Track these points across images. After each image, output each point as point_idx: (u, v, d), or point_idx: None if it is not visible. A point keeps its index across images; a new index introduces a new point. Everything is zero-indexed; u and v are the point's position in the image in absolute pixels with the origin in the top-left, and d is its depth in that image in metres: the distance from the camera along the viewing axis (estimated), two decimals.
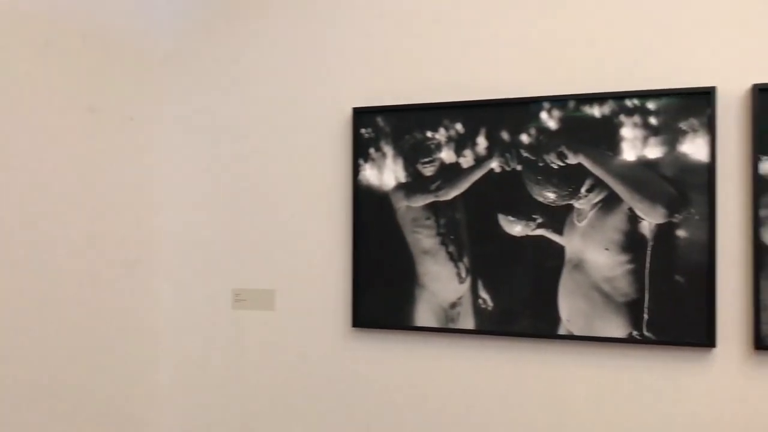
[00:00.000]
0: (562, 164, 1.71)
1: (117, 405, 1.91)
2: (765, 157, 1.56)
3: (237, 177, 2.01)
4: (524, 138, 1.74)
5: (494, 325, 1.77)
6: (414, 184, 1.83)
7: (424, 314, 1.83)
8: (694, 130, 1.61)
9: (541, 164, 1.73)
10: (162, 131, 2.07)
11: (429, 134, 1.82)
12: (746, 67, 1.59)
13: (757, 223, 1.57)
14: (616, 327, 1.67)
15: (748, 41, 1.59)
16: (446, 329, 1.81)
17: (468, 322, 1.79)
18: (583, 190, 1.70)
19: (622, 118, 1.67)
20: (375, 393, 1.88)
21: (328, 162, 1.92)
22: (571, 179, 1.70)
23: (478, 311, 1.78)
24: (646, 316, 1.65)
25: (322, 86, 1.93)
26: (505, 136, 1.76)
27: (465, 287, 1.79)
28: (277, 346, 1.98)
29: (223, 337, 2.03)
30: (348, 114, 1.91)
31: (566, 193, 1.71)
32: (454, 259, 1.80)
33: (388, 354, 1.87)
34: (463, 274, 1.79)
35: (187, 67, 2.07)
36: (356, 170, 1.88)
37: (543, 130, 1.73)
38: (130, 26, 1.95)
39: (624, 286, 1.66)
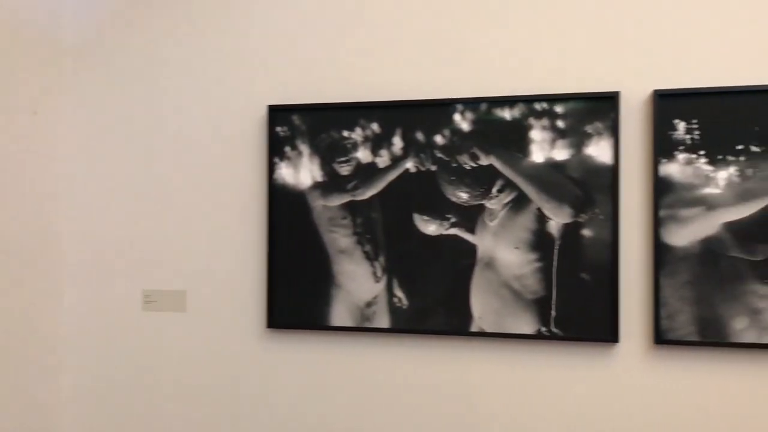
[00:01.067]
0: (474, 165, 1.74)
1: (14, 414, 1.81)
2: (665, 160, 1.64)
3: (147, 174, 1.95)
4: (439, 139, 1.77)
5: (409, 323, 1.78)
6: (330, 184, 1.82)
7: (340, 314, 1.82)
8: (599, 134, 1.67)
9: (454, 165, 1.75)
10: (68, 126, 1.99)
11: (345, 133, 1.82)
12: (648, 74, 1.67)
13: (657, 223, 1.64)
14: (526, 324, 1.71)
15: (650, 49, 1.66)
16: (362, 328, 1.81)
17: (383, 320, 1.79)
18: (494, 190, 1.73)
19: (532, 121, 1.71)
20: (290, 394, 1.86)
21: (243, 160, 1.89)
22: (483, 180, 1.74)
23: (394, 310, 1.79)
24: (553, 313, 1.69)
25: (236, 83, 1.90)
26: (420, 136, 1.78)
27: (381, 286, 1.79)
28: (189, 349, 1.93)
29: (133, 341, 1.97)
30: (263, 112, 1.88)
31: (478, 193, 1.74)
32: (370, 258, 1.80)
33: (304, 355, 1.86)
34: (379, 274, 1.79)
35: (95, 60, 1.99)
36: (271, 169, 1.85)
37: (456, 131, 1.76)
38: (35, 16, 1.87)
39: (533, 284, 1.71)
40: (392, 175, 1.79)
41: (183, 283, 1.93)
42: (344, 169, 1.82)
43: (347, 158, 1.82)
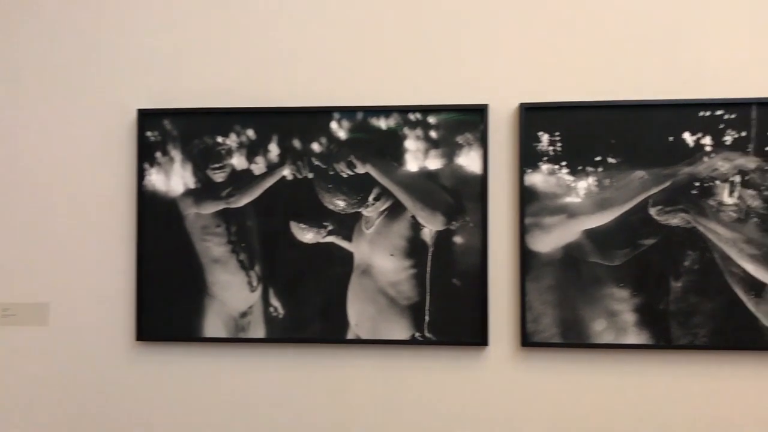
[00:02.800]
0: (351, 173, 1.75)
1: None
2: (530, 170, 1.71)
3: (7, 181, 1.83)
4: (315, 147, 1.76)
5: (285, 333, 1.76)
6: (203, 191, 1.78)
7: (214, 325, 1.77)
8: (469, 144, 1.72)
9: (331, 173, 1.76)
10: None
11: (220, 139, 1.78)
12: (515, 88, 1.74)
13: (522, 230, 1.70)
14: (401, 329, 1.73)
15: (517, 63, 1.73)
16: (236, 339, 1.77)
17: (259, 331, 1.76)
18: (370, 198, 1.74)
19: (406, 131, 1.74)
20: (162, 409, 1.79)
21: (111, 166, 1.81)
22: (359, 188, 1.75)
23: (269, 319, 1.76)
24: (427, 318, 1.72)
25: (104, 85, 1.82)
26: (297, 144, 1.76)
27: (256, 296, 1.76)
28: (52, 365, 1.82)
29: None
30: (133, 115, 1.81)
31: (355, 201, 1.75)
32: (245, 267, 1.77)
33: (176, 367, 1.79)
34: (254, 283, 1.76)
35: None
36: (141, 175, 1.79)
37: (333, 139, 1.76)
38: None
39: (407, 290, 1.73)
40: (268, 183, 1.77)
41: (46, 294, 1.81)
42: (218, 176, 1.78)
43: (221, 165, 1.78)
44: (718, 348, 1.65)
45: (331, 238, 1.76)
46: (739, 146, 1.65)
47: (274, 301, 1.76)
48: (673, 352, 1.68)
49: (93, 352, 1.81)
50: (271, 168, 1.77)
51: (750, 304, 1.64)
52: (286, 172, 1.77)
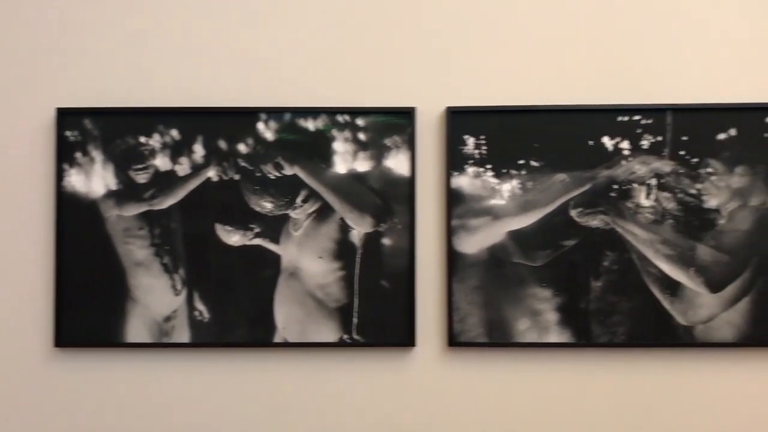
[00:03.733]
0: (278, 175, 1.74)
1: None
2: (456, 173, 1.73)
3: None
4: (242, 147, 1.74)
5: (211, 336, 1.73)
6: (125, 192, 1.73)
7: (136, 329, 1.73)
8: (398, 147, 1.73)
9: (258, 174, 1.74)
10: None
11: (143, 140, 1.74)
12: (442, 91, 1.76)
13: (450, 232, 1.72)
14: (329, 332, 1.73)
15: (445, 67, 1.76)
16: (160, 344, 1.73)
17: (183, 335, 1.73)
18: (298, 200, 1.74)
19: (335, 132, 1.74)
20: (83, 418, 1.74)
21: (28, 166, 1.74)
22: (287, 190, 1.74)
23: (194, 323, 1.73)
24: (355, 320, 1.73)
25: (22, 83, 1.75)
26: (222, 144, 1.74)
27: (180, 299, 1.73)
28: None
29: None
30: (52, 114, 1.75)
31: (283, 203, 1.74)
32: (169, 270, 1.73)
33: (97, 374, 1.74)
34: (179, 286, 1.73)
35: None
36: (60, 176, 1.73)
37: (260, 140, 1.74)
38: None
39: (336, 292, 1.73)
40: (193, 184, 1.74)
41: None
42: (141, 177, 1.74)
43: (144, 166, 1.74)
44: (635, 345, 1.71)
45: (258, 241, 1.74)
46: (655, 150, 1.71)
47: (199, 305, 1.73)
48: (594, 350, 1.73)
49: (9, 359, 1.74)
50: (196, 169, 1.74)
51: (665, 302, 1.70)
52: (212, 173, 1.74)
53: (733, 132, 1.71)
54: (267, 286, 1.73)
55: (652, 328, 1.71)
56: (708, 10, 1.75)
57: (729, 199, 1.70)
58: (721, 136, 1.71)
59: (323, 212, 1.74)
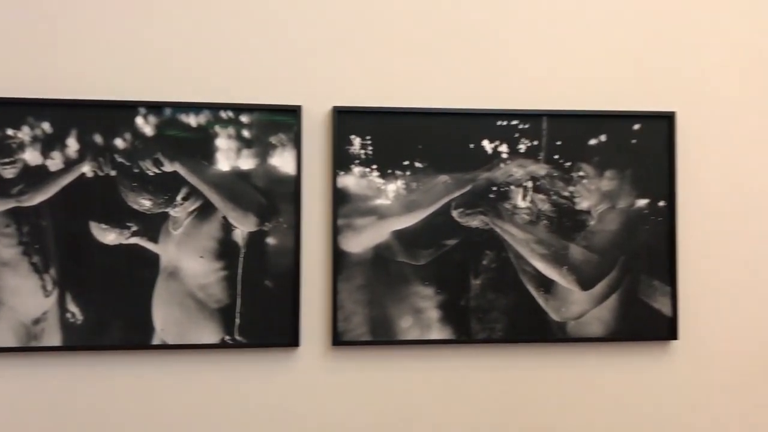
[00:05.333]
0: (158, 171, 1.68)
1: None
2: (342, 173, 1.73)
3: None
4: (119, 143, 1.68)
5: (84, 339, 1.66)
6: None
7: (2, 333, 1.63)
8: (283, 145, 1.72)
9: (136, 170, 1.68)
10: None
11: (10, 132, 1.64)
12: (329, 90, 1.76)
13: (335, 231, 1.73)
14: (210, 333, 1.69)
15: (332, 66, 1.76)
16: (28, 348, 1.64)
17: (54, 338, 1.65)
18: (178, 198, 1.69)
19: (218, 129, 1.70)
20: None
21: None
22: (167, 187, 1.69)
23: (66, 326, 1.65)
24: (238, 321, 1.70)
25: None
26: (98, 139, 1.67)
27: (51, 301, 1.65)
28: None
29: None
30: None
31: (162, 200, 1.68)
32: (39, 270, 1.64)
33: None
34: (49, 287, 1.64)
35: None
36: None
37: (139, 135, 1.68)
38: None
39: (218, 293, 1.70)
40: (66, 180, 1.66)
41: None
42: (8, 172, 1.64)
43: (12, 160, 1.64)
44: (512, 341, 1.77)
45: (135, 240, 1.68)
46: (531, 154, 1.78)
47: (72, 307, 1.66)
48: (473, 346, 1.78)
49: None
50: (69, 164, 1.66)
51: (540, 299, 1.77)
52: (86, 168, 1.67)
53: (603, 138, 1.81)
54: (145, 287, 1.68)
55: (527, 325, 1.78)
56: (581, 22, 1.83)
57: (599, 201, 1.80)
58: (592, 142, 1.81)
59: (205, 211, 1.70)
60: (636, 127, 1.82)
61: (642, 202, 1.81)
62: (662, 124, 1.82)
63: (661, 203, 1.81)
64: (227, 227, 1.70)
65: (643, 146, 1.81)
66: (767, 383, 1.85)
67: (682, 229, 1.83)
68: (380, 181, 1.75)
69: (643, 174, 1.81)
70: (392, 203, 1.75)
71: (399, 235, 1.75)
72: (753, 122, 1.86)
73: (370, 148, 1.75)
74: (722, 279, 1.84)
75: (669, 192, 1.81)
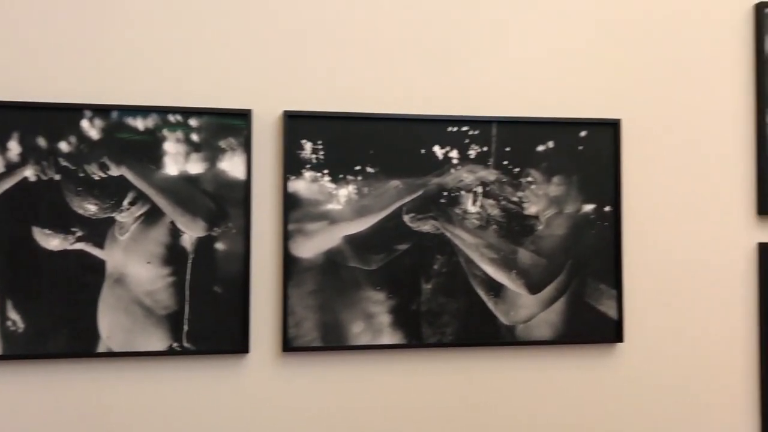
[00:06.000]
0: (104, 176, 1.65)
1: None
2: (293, 177, 1.73)
3: None
4: (64, 146, 1.64)
5: (25, 348, 1.61)
6: None
7: None
8: (233, 149, 1.71)
9: (81, 174, 1.64)
10: None
11: None
12: (279, 94, 1.75)
13: (286, 237, 1.72)
14: (158, 340, 1.67)
15: (282, 70, 1.75)
16: None
17: None
18: (125, 202, 1.66)
19: (166, 132, 1.68)
20: None
21: None
22: (113, 191, 1.66)
23: (7, 334, 1.61)
24: (186, 328, 1.67)
25: None
26: (41, 142, 1.63)
27: None
28: None
29: None
30: None
31: (108, 205, 1.65)
32: None
33: None
34: None
35: None
36: None
37: (84, 139, 1.65)
38: None
39: (165, 299, 1.67)
40: (7, 184, 1.61)
41: None
42: None
43: None
44: (462, 345, 1.78)
45: (80, 245, 1.64)
46: (481, 160, 1.80)
47: (13, 314, 1.61)
48: (424, 350, 1.79)
49: None
50: (11, 168, 1.62)
51: (490, 303, 1.80)
52: (29, 172, 1.63)
53: (551, 144, 1.84)
54: (90, 294, 1.64)
55: (477, 328, 1.80)
56: (530, 32, 1.87)
57: (547, 206, 1.83)
58: (540, 148, 1.84)
59: (152, 215, 1.67)
60: (583, 133, 1.85)
61: (588, 207, 1.85)
62: (608, 131, 1.86)
63: (607, 208, 1.85)
64: (175, 232, 1.68)
65: (589, 152, 1.85)
66: (709, 384, 1.90)
67: (627, 233, 1.87)
68: (332, 185, 1.75)
69: (589, 179, 1.85)
70: (344, 208, 1.75)
71: (350, 240, 1.75)
72: (694, 129, 1.92)
73: (322, 152, 1.75)
74: (666, 282, 1.89)
75: (614, 197, 1.85)
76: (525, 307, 1.82)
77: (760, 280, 1.94)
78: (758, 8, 1.95)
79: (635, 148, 1.89)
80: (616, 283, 1.85)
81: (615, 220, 1.86)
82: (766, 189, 1.92)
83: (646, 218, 1.89)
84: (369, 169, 1.77)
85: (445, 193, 1.79)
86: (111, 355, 1.65)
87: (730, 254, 1.93)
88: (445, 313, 1.79)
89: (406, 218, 1.78)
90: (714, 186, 1.93)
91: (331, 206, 1.75)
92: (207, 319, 1.69)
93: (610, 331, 1.85)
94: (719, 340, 1.92)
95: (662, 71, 1.92)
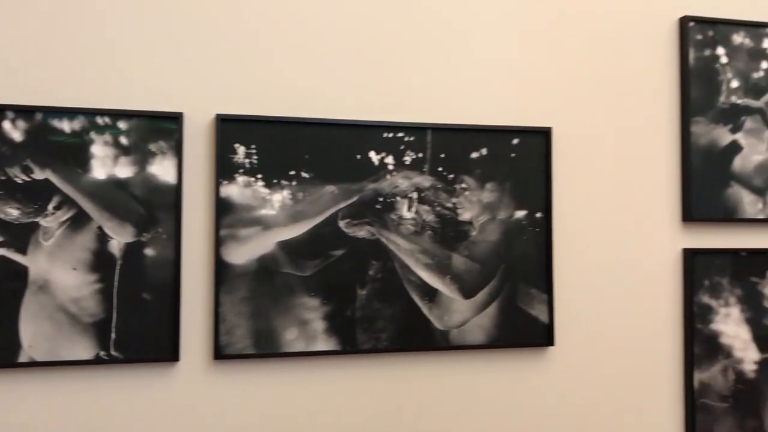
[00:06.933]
0: (27, 179, 1.60)
1: None
2: (226, 182, 1.70)
3: None
4: None
5: None
6: None
7: None
8: (163, 153, 1.67)
9: (3, 178, 1.59)
10: None
11: None
12: (212, 98, 1.72)
13: (218, 242, 1.69)
14: (84, 349, 1.62)
15: (215, 73, 1.73)
16: None
17: None
18: (50, 207, 1.61)
19: (93, 135, 1.64)
20: None
21: None
22: (37, 195, 1.61)
23: None
24: (113, 336, 1.63)
25: None
26: None
27: None
28: None
29: None
30: None
31: (31, 210, 1.60)
32: None
33: None
34: None
35: None
36: None
37: (6, 141, 1.59)
38: None
39: (92, 306, 1.63)
40: None
41: None
42: None
43: None
44: (397, 350, 1.79)
45: (1, 251, 1.59)
46: (416, 166, 1.81)
47: None
48: (359, 356, 1.79)
49: None
50: None
51: (424, 308, 1.81)
52: None
53: (484, 151, 1.87)
54: (11, 301, 1.59)
55: (412, 334, 1.80)
56: (465, 40, 1.89)
57: (480, 212, 1.85)
58: (474, 155, 1.86)
59: (78, 220, 1.63)
60: (515, 141, 1.89)
61: (520, 213, 1.88)
62: (539, 139, 1.90)
63: (538, 214, 1.89)
64: (103, 238, 1.64)
65: (521, 160, 1.89)
66: (636, 385, 1.96)
67: (558, 239, 1.91)
68: (265, 190, 1.73)
69: (521, 186, 1.88)
70: (278, 213, 1.74)
71: (285, 245, 1.74)
72: (622, 139, 1.97)
73: (255, 157, 1.73)
74: (594, 287, 1.94)
75: (545, 203, 1.89)
76: (459, 311, 1.84)
77: (685, 284, 2.00)
78: (683, 22, 2.02)
79: (565, 156, 1.94)
80: (547, 287, 1.89)
81: (546, 225, 1.90)
82: (691, 197, 1.99)
83: (576, 224, 1.94)
84: (304, 174, 1.76)
85: (381, 199, 1.80)
86: (33, 365, 1.60)
87: (656, 259, 1.99)
88: (380, 318, 1.79)
89: (342, 224, 1.78)
90: (641, 193, 1.99)
91: (265, 211, 1.74)
92: (136, 327, 1.65)
93: (541, 335, 1.89)
94: (646, 342, 1.98)
95: (592, 82, 1.97)
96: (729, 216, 2.01)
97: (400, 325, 1.80)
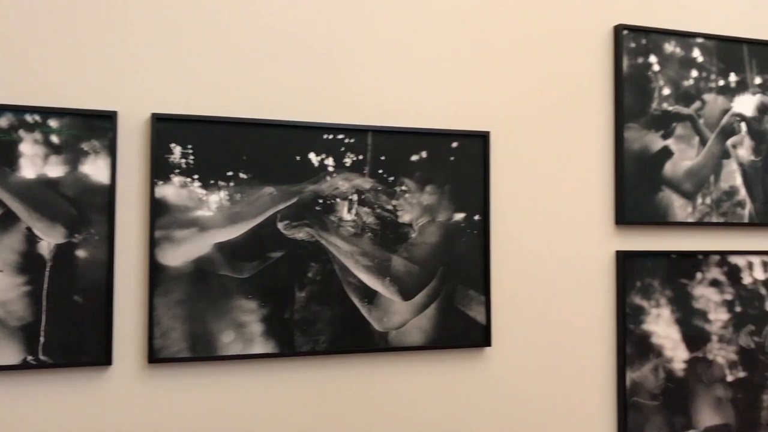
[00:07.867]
0: None
1: None
2: (161, 182, 1.67)
3: None
4: None
5: None
6: None
7: None
8: (96, 152, 1.63)
9: None
10: None
11: None
12: (147, 96, 1.69)
13: (153, 244, 1.66)
14: (11, 353, 1.57)
15: (151, 72, 1.69)
16: None
17: None
18: None
19: (22, 133, 1.59)
20: None
21: None
22: None
23: None
24: (42, 340, 1.59)
25: None
26: None
27: None
28: None
29: None
30: None
31: None
32: None
33: None
34: None
35: None
36: None
37: None
38: None
39: (20, 310, 1.58)
40: None
41: None
42: None
43: None
44: (336, 352, 1.79)
45: None
46: (357, 168, 1.82)
47: None
48: (297, 359, 1.78)
49: None
50: None
51: (364, 310, 1.81)
52: None
53: (424, 154, 1.89)
54: None
55: (351, 336, 1.81)
56: (406, 44, 1.91)
57: (420, 214, 1.87)
58: (414, 158, 1.88)
59: (6, 221, 1.58)
60: (454, 144, 1.91)
61: (459, 216, 1.91)
62: (478, 143, 1.93)
63: (477, 217, 1.92)
64: (32, 239, 1.59)
65: (460, 163, 1.91)
66: (571, 385, 2.00)
67: (495, 241, 1.95)
68: (202, 191, 1.71)
69: (460, 189, 1.91)
70: (215, 215, 1.72)
71: (222, 247, 1.72)
72: (558, 143, 2.02)
73: (192, 157, 1.71)
74: (531, 288, 1.97)
75: (483, 206, 1.92)
76: (398, 313, 1.85)
77: (617, 285, 2.06)
78: (617, 30, 2.08)
79: (503, 159, 1.97)
80: (485, 289, 1.91)
81: (484, 228, 1.92)
82: (624, 200, 2.05)
83: (513, 227, 1.97)
84: (242, 175, 1.75)
85: (321, 201, 1.80)
86: None
87: (590, 261, 2.04)
88: (318, 320, 1.79)
89: (281, 225, 1.77)
90: (576, 197, 2.04)
91: (201, 213, 1.71)
92: (66, 331, 1.61)
93: (479, 336, 1.91)
94: (580, 342, 2.03)
95: (529, 87, 2.01)
96: (660, 219, 2.08)
97: (339, 327, 1.80)
